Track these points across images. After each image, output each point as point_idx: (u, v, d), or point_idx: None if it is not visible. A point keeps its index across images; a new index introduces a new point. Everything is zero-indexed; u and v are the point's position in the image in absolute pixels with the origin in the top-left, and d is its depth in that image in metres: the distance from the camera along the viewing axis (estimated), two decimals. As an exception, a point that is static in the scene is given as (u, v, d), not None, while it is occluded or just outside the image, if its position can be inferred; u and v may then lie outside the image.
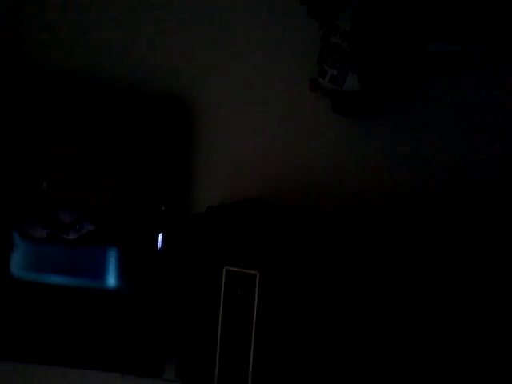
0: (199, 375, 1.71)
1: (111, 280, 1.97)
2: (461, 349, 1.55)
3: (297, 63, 1.99)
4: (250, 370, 1.64)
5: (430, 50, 1.84)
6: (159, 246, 1.96)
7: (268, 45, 2.03)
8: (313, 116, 2.01)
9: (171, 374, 2.00)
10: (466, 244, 1.60)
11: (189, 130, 2.07)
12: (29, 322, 1.99)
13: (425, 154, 1.94)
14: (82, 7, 2.13)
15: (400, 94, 1.91)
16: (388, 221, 1.85)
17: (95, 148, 1.97)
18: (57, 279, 1.97)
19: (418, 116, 1.94)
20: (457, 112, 1.92)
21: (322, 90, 1.87)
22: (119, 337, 1.97)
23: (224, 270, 1.66)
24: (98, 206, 1.94)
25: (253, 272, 1.64)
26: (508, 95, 1.88)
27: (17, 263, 1.98)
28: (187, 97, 2.07)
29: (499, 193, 1.89)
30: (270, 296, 1.63)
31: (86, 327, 1.98)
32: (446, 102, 1.92)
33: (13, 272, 1.98)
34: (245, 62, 2.05)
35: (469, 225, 1.82)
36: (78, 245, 1.95)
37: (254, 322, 1.64)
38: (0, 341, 2.01)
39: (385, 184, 1.96)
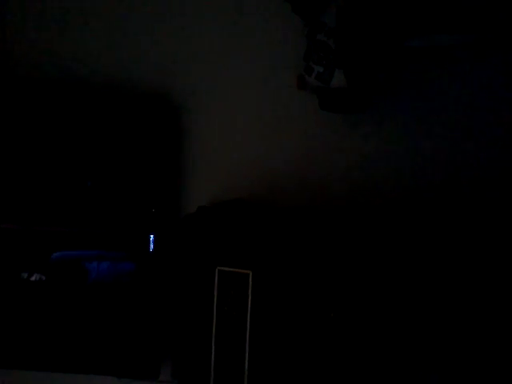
0: (195, 375, 1.71)
1: (105, 284, 1.97)
2: (454, 344, 1.55)
3: (284, 61, 1.99)
4: (246, 368, 1.64)
5: (416, 44, 1.84)
6: (151, 247, 1.96)
7: (255, 44, 2.03)
8: (301, 113, 2.01)
9: (167, 375, 2.01)
10: (456, 238, 1.61)
11: (177, 130, 2.07)
12: (23, 328, 1.99)
13: (412, 147, 1.95)
14: (68, 5, 2.11)
15: (387, 88, 1.92)
16: (379, 217, 1.85)
17: (82, 151, 1.97)
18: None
19: (405, 110, 1.95)
20: (444, 105, 1.92)
21: (309, 87, 1.87)
22: (114, 340, 1.97)
23: (217, 270, 1.66)
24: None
25: (245, 271, 1.64)
26: (494, 87, 1.89)
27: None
28: (175, 97, 2.07)
29: (489, 184, 1.90)
30: (263, 295, 1.63)
31: (81, 332, 1.97)
32: (432, 96, 1.93)
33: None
34: (231, 61, 2.04)
35: (459, 219, 1.82)
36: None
37: (248, 321, 1.64)
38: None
39: (374, 179, 1.96)
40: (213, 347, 1.67)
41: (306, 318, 1.61)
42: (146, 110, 1.98)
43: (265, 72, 2.03)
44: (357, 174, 1.97)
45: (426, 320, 1.56)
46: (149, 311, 1.96)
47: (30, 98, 2.02)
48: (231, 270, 1.64)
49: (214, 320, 1.66)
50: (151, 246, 1.95)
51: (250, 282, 1.63)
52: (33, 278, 1.98)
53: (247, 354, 1.64)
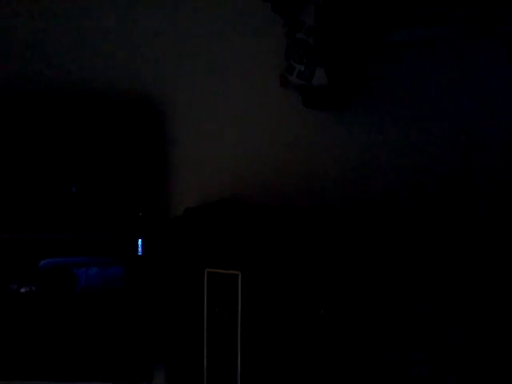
0: (188, 378, 1.71)
1: (94, 290, 1.97)
2: (442, 338, 1.56)
3: (267, 60, 1.99)
4: (239, 369, 1.64)
5: (397, 39, 1.85)
6: (139, 251, 1.95)
7: (237, 44, 2.02)
8: (285, 112, 2.01)
9: (161, 379, 2.01)
10: (441, 232, 1.62)
11: (162, 134, 2.07)
12: (14, 338, 1.98)
13: (396, 141, 1.96)
14: (45, 8, 2.09)
15: (368, 84, 1.92)
16: (365, 213, 1.86)
17: (66, 157, 1.97)
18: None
19: (387, 105, 1.95)
20: (425, 99, 1.93)
21: (291, 85, 1.88)
22: (107, 346, 1.96)
23: (206, 272, 1.66)
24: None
25: (235, 272, 1.64)
26: (476, 78, 1.91)
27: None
28: (159, 101, 2.06)
29: (479, 177, 1.92)
30: (253, 295, 1.63)
31: (73, 339, 1.97)
32: (414, 90, 1.94)
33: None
34: (214, 62, 2.04)
35: (444, 214, 1.84)
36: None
37: (239, 321, 1.64)
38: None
39: (357, 175, 1.97)
40: (205, 349, 1.67)
41: (297, 315, 1.61)
42: (130, 115, 1.97)
43: (248, 72, 2.03)
44: (340, 170, 1.98)
45: (415, 315, 1.56)
46: (140, 315, 1.96)
47: (11, 105, 2.01)
48: (220, 271, 1.64)
49: (205, 322, 1.66)
50: (139, 249, 1.95)
51: (240, 283, 1.63)
52: (22, 290, 1.98)
53: (239, 355, 1.64)
